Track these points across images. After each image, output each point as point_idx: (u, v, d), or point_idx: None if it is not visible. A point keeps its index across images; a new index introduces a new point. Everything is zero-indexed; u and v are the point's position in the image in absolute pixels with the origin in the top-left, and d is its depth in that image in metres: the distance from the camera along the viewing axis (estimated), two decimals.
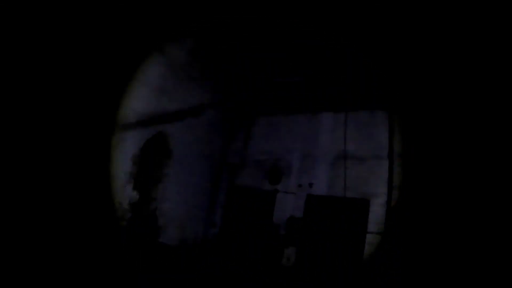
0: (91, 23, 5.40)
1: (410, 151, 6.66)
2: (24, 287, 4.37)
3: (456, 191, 5.85)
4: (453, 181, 5.93)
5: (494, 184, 5.57)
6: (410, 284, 6.05)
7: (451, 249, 5.76)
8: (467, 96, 6.08)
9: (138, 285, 5.96)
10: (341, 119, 7.55)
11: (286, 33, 6.79)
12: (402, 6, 5.58)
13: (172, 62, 6.92)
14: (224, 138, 8.77)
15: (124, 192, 6.23)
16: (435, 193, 6.03)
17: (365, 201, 6.86)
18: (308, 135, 7.87)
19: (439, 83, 6.37)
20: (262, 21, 6.58)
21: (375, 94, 7.35)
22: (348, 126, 7.41)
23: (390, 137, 7.03)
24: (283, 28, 6.65)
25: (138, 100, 6.34)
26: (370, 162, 7.04)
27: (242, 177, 8.53)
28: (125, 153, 6.19)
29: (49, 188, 4.89)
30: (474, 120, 6.00)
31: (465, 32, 5.72)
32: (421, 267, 6.06)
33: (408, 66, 6.69)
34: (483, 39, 5.66)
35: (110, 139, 5.86)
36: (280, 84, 8.12)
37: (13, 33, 4.53)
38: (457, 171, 5.91)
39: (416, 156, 6.45)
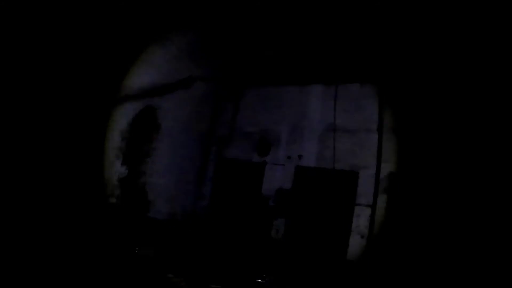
0: None
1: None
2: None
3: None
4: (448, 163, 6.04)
5: (493, 165, 5.66)
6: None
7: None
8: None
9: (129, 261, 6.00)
10: (331, 91, 7.51)
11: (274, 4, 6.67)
12: None
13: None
14: (213, 110, 8.69)
15: (113, 167, 6.20)
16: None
17: (354, 173, 6.94)
18: (298, 107, 7.83)
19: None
20: None
21: (366, 67, 7.33)
22: (338, 98, 7.38)
23: (380, 110, 7.05)
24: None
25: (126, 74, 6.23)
26: (359, 135, 7.07)
27: (231, 149, 8.51)
28: (114, 128, 6.12)
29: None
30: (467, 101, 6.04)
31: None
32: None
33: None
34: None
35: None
36: (269, 56, 8.02)
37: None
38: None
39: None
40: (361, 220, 6.78)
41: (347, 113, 7.26)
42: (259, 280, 6.67)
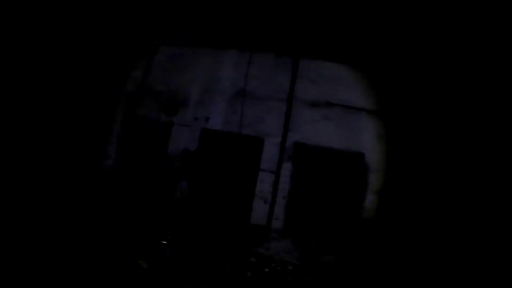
0: None
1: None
2: None
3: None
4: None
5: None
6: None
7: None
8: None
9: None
10: (245, 58, 7.50)
11: None
12: None
13: None
14: (124, 67, 8.30)
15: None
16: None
17: (260, 140, 7.03)
18: (210, 70, 7.71)
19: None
20: None
21: (282, 38, 7.40)
22: (251, 66, 7.40)
23: (292, 81, 7.17)
24: None
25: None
26: (268, 103, 7.15)
27: (139, 107, 8.20)
28: None
29: None
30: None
31: None
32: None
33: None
34: None
35: None
36: (187, 15, 7.80)
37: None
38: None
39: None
40: (264, 185, 6.91)
41: (259, 81, 7.30)
42: (164, 242, 6.58)
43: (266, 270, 6.36)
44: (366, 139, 7.04)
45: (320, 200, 6.89)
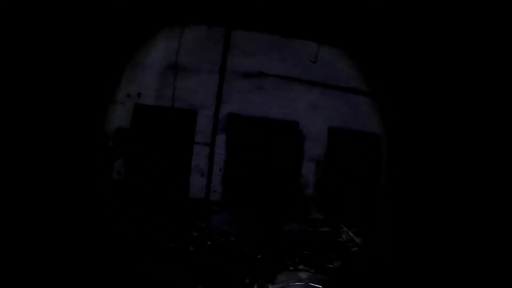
0: None
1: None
2: None
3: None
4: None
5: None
6: None
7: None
8: None
9: None
10: (176, 31, 7.37)
11: None
12: None
13: None
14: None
15: None
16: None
17: (193, 112, 7.00)
18: (141, 44, 7.54)
19: None
20: None
21: (214, 8, 7.32)
22: (183, 38, 7.28)
23: (224, 53, 7.15)
24: None
25: None
26: (201, 75, 7.09)
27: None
28: None
29: None
30: None
31: None
32: None
33: None
34: None
35: None
36: None
37: None
38: None
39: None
40: (200, 158, 6.92)
41: (191, 53, 7.20)
42: None
43: (209, 243, 6.41)
44: (300, 108, 7.17)
45: (257, 170, 6.99)
